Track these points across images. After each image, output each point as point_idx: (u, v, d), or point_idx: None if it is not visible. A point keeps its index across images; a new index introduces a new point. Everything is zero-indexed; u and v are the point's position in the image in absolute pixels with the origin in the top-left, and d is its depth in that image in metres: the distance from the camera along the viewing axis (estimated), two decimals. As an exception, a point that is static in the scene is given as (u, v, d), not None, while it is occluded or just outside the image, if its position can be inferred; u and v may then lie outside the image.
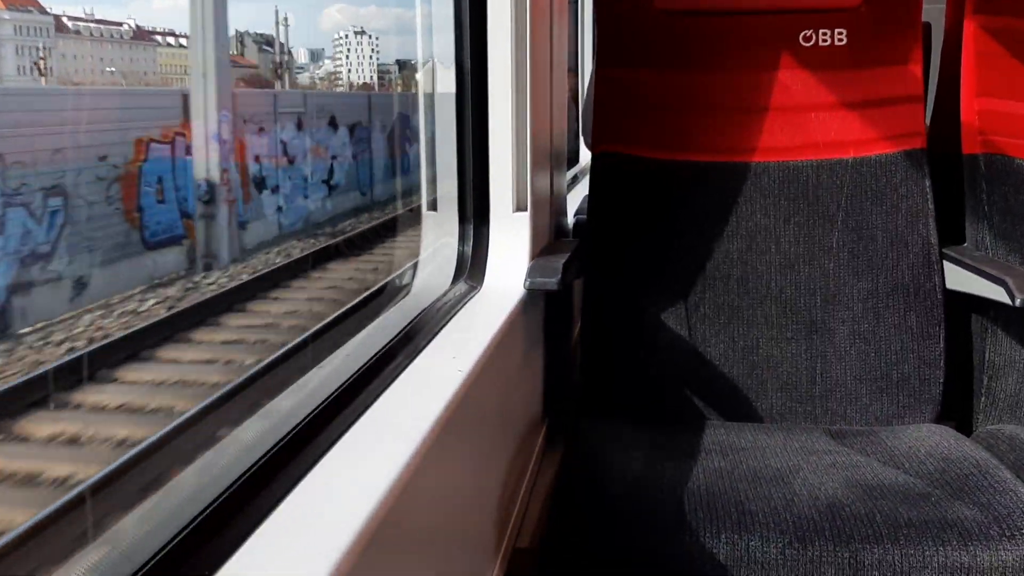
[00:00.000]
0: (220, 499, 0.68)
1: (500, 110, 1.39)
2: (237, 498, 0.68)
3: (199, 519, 0.65)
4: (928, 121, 1.67)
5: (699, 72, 1.63)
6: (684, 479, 1.23)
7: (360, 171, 10.25)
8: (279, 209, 8.41)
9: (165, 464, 2.85)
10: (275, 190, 8.46)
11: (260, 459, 0.74)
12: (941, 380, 1.49)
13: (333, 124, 10.01)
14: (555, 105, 1.61)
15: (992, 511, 1.12)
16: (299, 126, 9.29)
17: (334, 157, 9.80)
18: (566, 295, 1.73)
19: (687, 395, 1.54)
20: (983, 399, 1.53)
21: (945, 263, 1.52)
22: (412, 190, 10.19)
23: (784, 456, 1.32)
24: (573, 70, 3.97)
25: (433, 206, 1.48)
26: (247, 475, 0.71)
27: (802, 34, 1.61)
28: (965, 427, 1.55)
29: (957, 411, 1.55)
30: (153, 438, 3.01)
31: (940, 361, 1.50)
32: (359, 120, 10.54)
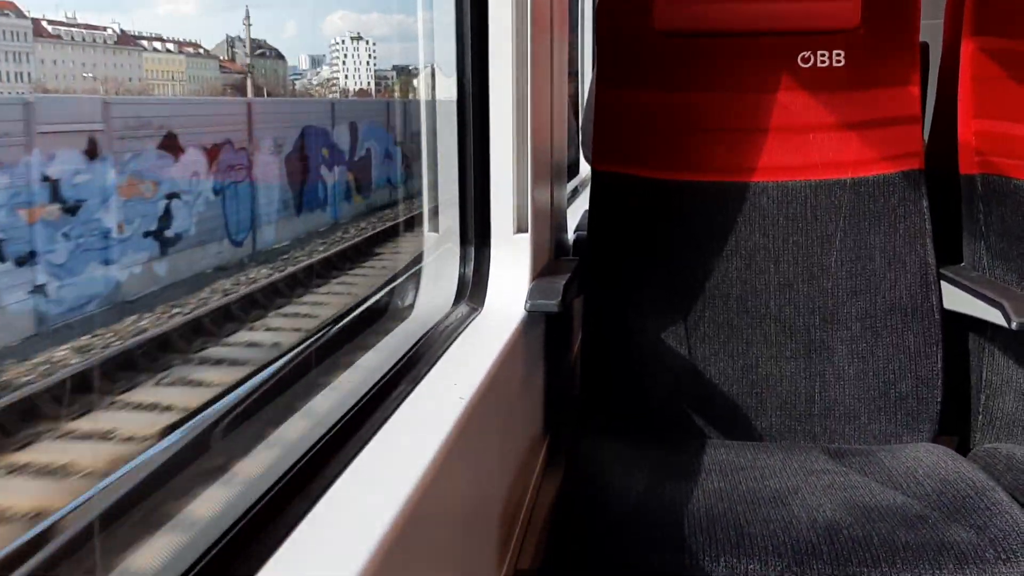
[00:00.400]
0: (226, 534, 0.69)
1: (501, 130, 1.39)
2: (241, 533, 0.69)
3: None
4: (926, 141, 1.68)
5: (698, 93, 1.64)
6: (684, 500, 1.24)
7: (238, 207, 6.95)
8: (37, 290, 4.71)
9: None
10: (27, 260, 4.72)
11: (265, 492, 0.75)
12: (939, 399, 1.51)
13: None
14: (555, 121, 1.62)
15: (988, 533, 1.13)
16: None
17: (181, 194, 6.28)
18: (566, 313, 1.74)
19: (686, 413, 1.55)
20: (980, 418, 1.54)
21: (943, 283, 1.53)
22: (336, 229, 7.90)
23: (783, 476, 1.33)
24: (573, 75, 3.98)
25: (434, 228, 1.49)
26: (252, 511, 0.72)
27: (800, 55, 1.62)
28: (963, 446, 1.56)
29: (955, 430, 1.56)
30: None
31: (938, 380, 1.51)
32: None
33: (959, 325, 1.55)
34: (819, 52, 1.61)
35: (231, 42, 10.22)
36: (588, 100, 2.56)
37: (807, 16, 1.62)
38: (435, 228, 1.52)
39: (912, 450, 1.42)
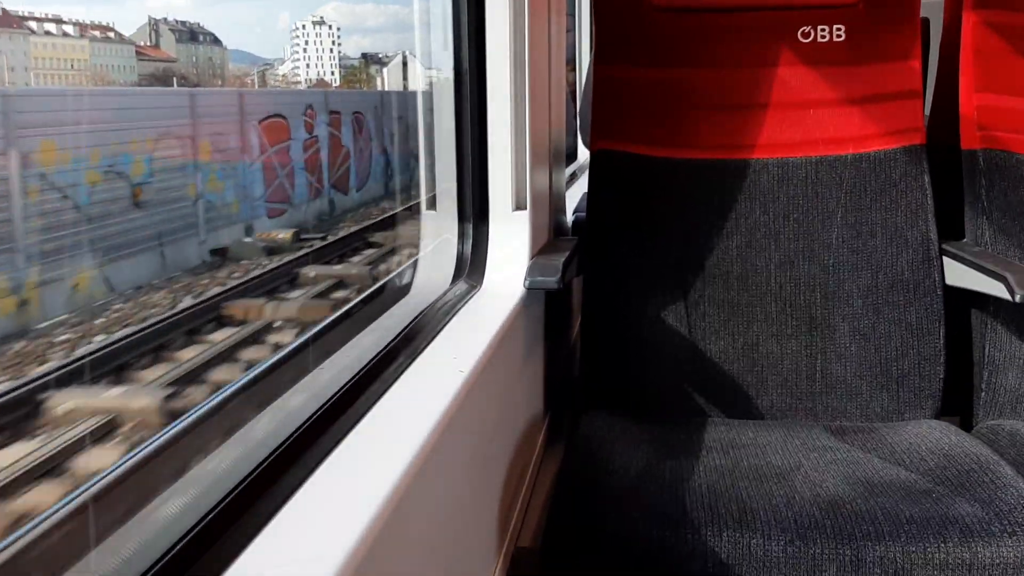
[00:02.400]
0: (223, 502, 0.68)
1: (499, 108, 1.38)
2: (240, 501, 0.69)
3: (203, 521, 0.65)
4: (927, 117, 1.67)
5: (697, 69, 1.62)
6: (685, 476, 1.23)
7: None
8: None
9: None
10: None
11: (263, 461, 0.74)
12: (941, 376, 1.50)
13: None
14: (554, 102, 1.61)
15: (993, 507, 1.12)
16: None
17: None
18: (566, 292, 1.73)
19: (687, 392, 1.54)
20: (983, 395, 1.53)
21: (944, 259, 1.52)
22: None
23: (785, 453, 1.32)
24: (571, 64, 3.96)
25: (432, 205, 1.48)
26: (250, 478, 0.71)
27: (800, 30, 1.60)
28: (966, 423, 1.55)
29: (957, 407, 1.56)
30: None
31: (940, 357, 1.50)
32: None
33: (961, 301, 1.54)
34: (819, 27, 1.60)
35: (154, 25, 8.94)
36: (586, 86, 2.54)
37: None
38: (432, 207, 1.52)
39: (915, 427, 1.41)
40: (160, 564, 0.61)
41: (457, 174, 1.40)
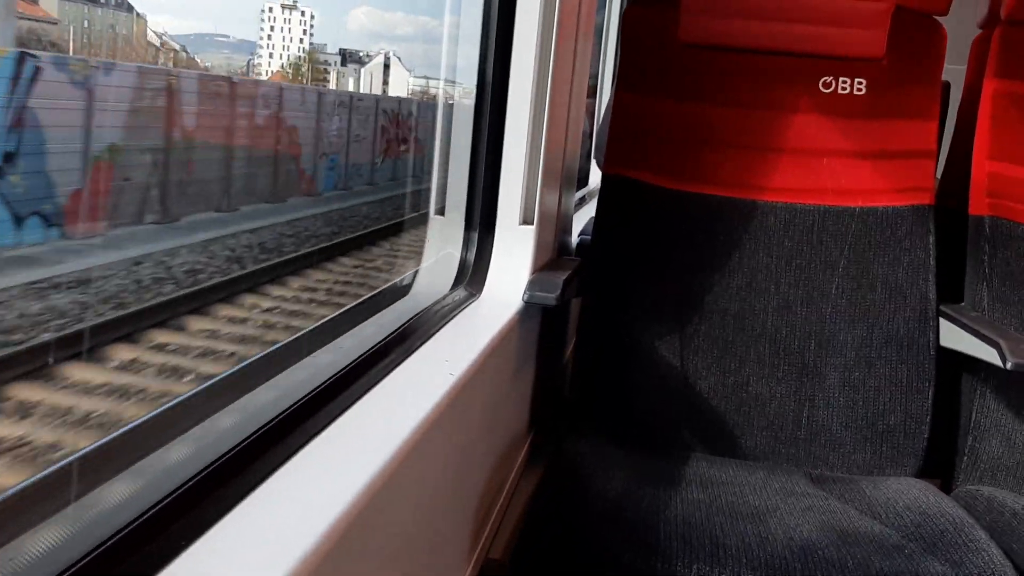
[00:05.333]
0: (175, 492, 0.65)
1: (517, 124, 1.40)
2: (194, 493, 0.66)
3: (151, 511, 0.62)
4: (938, 178, 1.68)
5: (716, 107, 1.64)
6: (662, 507, 1.23)
7: None
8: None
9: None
10: None
11: (235, 447, 0.72)
12: (926, 436, 1.50)
13: None
14: (571, 126, 1.62)
15: (963, 569, 1.12)
16: None
17: None
18: (563, 312, 1.74)
19: (673, 424, 1.54)
20: (966, 459, 1.53)
21: (941, 320, 1.53)
22: None
23: (763, 495, 1.32)
24: (592, 88, 3.99)
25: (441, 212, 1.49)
26: (217, 464, 0.69)
27: (822, 80, 1.62)
28: (946, 485, 1.55)
29: (939, 468, 1.56)
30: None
31: (927, 417, 1.50)
32: None
33: (953, 363, 1.54)
34: (841, 78, 1.62)
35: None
36: (607, 108, 2.57)
37: (833, 42, 1.62)
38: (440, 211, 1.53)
39: (894, 483, 1.42)
40: (94, 553, 0.57)
41: (468, 183, 1.42)
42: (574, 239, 1.90)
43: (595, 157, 2.92)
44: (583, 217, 2.20)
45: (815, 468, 1.50)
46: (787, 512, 1.25)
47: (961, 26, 1.74)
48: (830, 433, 1.51)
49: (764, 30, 1.64)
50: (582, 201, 3.12)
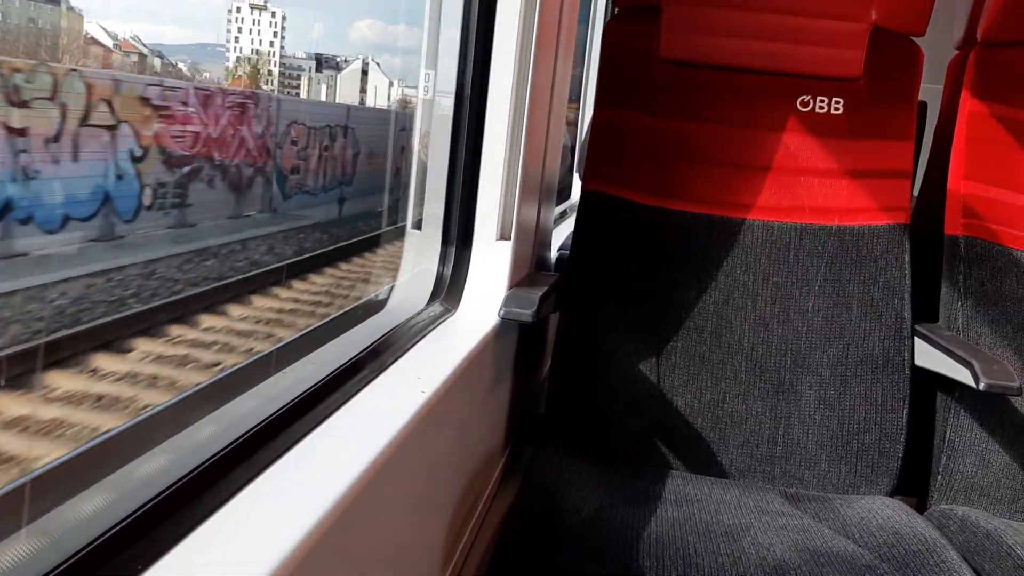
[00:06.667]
0: (155, 499, 0.66)
1: (495, 138, 1.40)
2: (172, 501, 0.66)
3: (132, 516, 0.63)
4: (914, 197, 1.69)
5: (694, 123, 1.65)
6: (636, 525, 1.23)
7: None
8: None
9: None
10: None
11: (205, 461, 0.72)
12: (900, 455, 1.50)
13: None
14: (550, 140, 1.62)
15: None
16: None
17: None
18: (540, 328, 1.73)
19: (649, 441, 1.54)
20: (939, 478, 1.54)
21: (916, 339, 1.54)
22: None
23: (737, 513, 1.32)
24: (574, 103, 4.00)
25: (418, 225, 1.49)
26: (187, 478, 0.69)
27: (800, 98, 1.63)
28: (921, 504, 1.55)
29: (913, 487, 1.56)
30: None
31: (901, 436, 1.51)
32: None
33: (928, 382, 1.55)
34: (819, 97, 1.63)
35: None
36: (590, 122, 2.58)
37: (811, 61, 1.63)
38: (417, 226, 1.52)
39: (868, 502, 1.42)
40: (79, 555, 0.58)
41: (446, 198, 1.41)
42: (554, 253, 1.90)
43: (577, 171, 2.93)
44: (565, 231, 2.20)
45: (790, 486, 1.50)
46: (761, 531, 1.25)
47: (938, 47, 1.75)
48: (805, 451, 1.51)
49: (744, 48, 1.65)
50: (564, 215, 3.12)
